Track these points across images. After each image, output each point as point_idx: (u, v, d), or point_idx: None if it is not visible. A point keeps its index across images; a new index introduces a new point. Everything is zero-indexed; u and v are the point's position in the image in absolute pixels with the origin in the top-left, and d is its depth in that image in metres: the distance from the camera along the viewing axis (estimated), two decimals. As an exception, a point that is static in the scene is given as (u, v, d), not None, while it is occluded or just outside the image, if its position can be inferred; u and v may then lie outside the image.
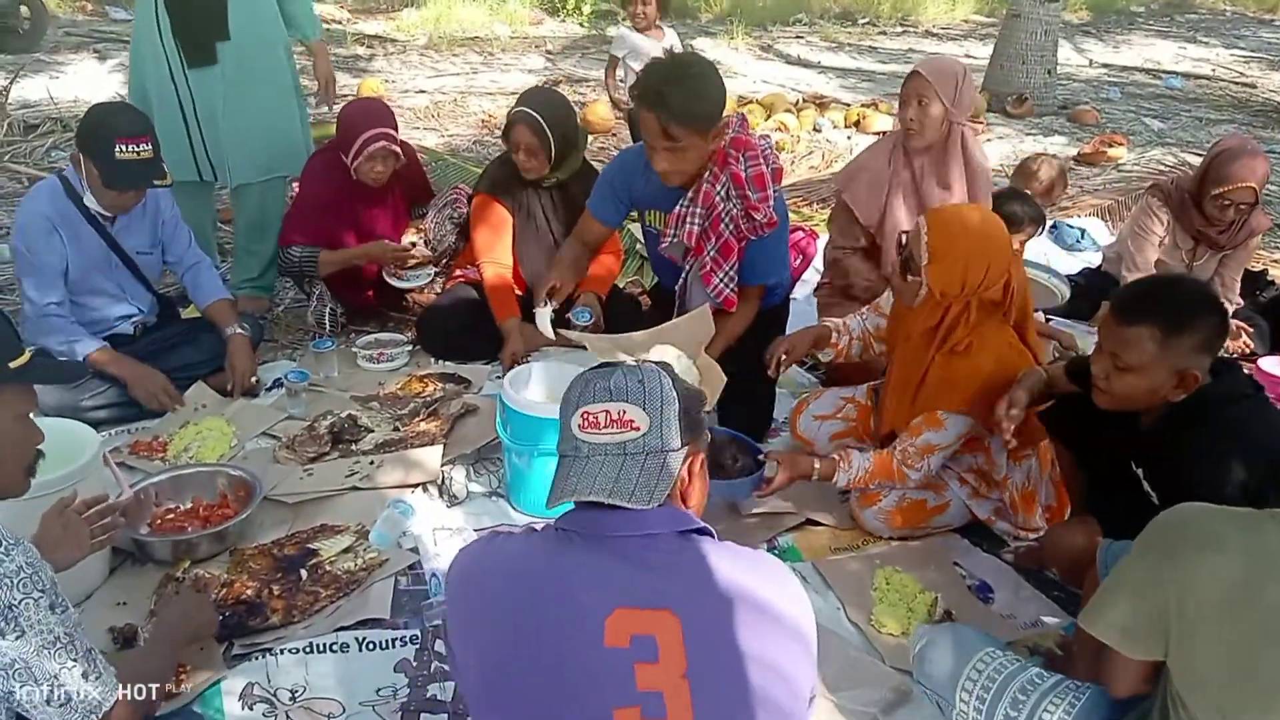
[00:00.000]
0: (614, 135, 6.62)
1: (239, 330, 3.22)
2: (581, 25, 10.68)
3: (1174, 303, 1.98)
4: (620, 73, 6.48)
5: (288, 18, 3.63)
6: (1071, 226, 5.09)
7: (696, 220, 2.87)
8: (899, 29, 12.02)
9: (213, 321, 3.25)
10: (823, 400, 3.01)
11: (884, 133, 6.79)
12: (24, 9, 7.81)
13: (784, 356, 2.76)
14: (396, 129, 3.57)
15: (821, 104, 7.44)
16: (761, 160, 2.82)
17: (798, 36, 11.02)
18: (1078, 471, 2.54)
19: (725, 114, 2.76)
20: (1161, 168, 6.37)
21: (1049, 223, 5.06)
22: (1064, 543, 2.31)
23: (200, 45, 3.39)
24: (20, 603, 1.40)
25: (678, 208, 2.88)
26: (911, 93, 3.14)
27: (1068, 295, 3.70)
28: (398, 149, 3.53)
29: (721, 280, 2.92)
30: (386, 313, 3.89)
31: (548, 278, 3.09)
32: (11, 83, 6.18)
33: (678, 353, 2.89)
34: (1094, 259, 4.65)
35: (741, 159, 2.81)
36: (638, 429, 1.39)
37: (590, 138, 6.53)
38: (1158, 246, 3.85)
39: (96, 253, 3.04)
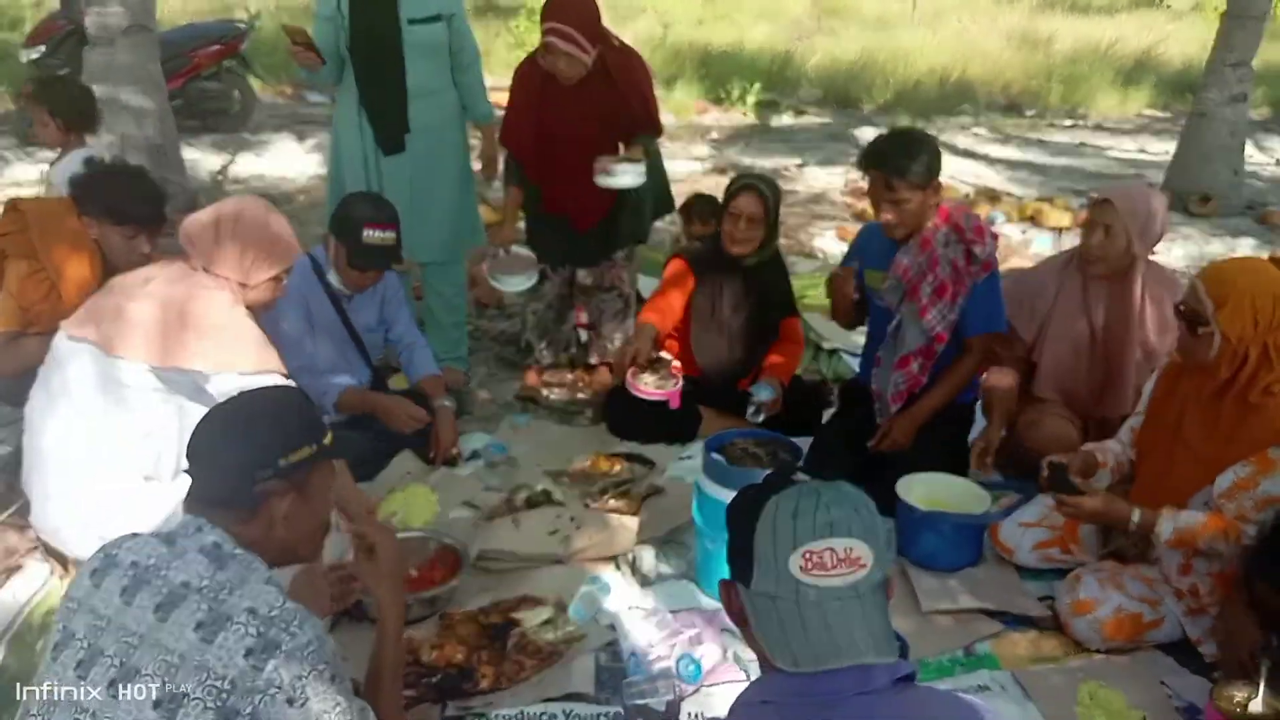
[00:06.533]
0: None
1: (446, 403, 3.41)
2: (745, 114, 10.93)
3: None
4: None
5: (463, 102, 3.84)
6: None
7: (913, 260, 3.15)
8: (1068, 121, 11.81)
9: (423, 393, 3.44)
10: (1029, 508, 2.95)
11: (1061, 229, 6.70)
12: (236, 93, 8.59)
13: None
14: (589, 22, 3.38)
15: (994, 197, 7.38)
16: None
17: (963, 128, 10.97)
18: None
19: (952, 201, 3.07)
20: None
21: None
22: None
23: (391, 136, 3.69)
24: (308, 674, 1.46)
25: (898, 254, 3.17)
26: (1098, 220, 3.02)
27: None
28: (564, 45, 3.34)
29: (936, 315, 3.14)
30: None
31: None
32: (229, 164, 6.76)
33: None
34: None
35: (965, 216, 3.18)
36: (864, 566, 1.26)
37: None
38: None
39: (332, 327, 3.30)
